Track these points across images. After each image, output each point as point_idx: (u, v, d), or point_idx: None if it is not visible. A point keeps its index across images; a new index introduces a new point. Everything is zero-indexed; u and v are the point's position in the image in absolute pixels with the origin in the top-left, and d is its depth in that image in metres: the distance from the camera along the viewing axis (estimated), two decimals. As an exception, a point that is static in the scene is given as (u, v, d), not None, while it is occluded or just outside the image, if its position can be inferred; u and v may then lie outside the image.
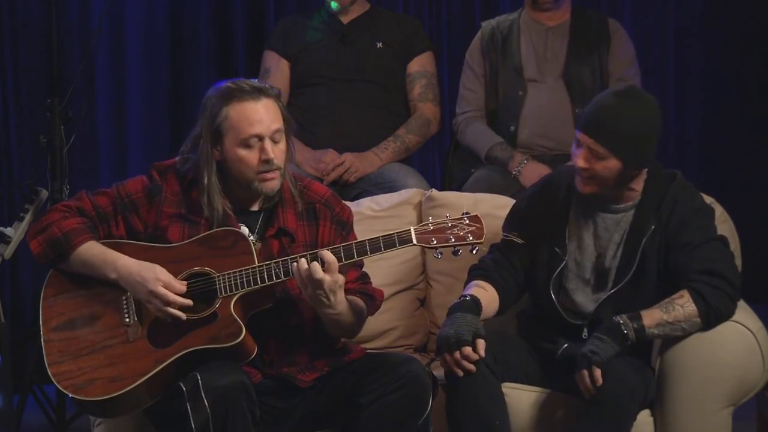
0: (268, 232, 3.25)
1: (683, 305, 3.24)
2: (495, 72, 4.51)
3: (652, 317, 3.24)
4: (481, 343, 3.20)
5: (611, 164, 3.30)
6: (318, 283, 3.08)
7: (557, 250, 3.41)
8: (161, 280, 3.12)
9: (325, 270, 3.07)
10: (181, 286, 3.13)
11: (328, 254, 3.09)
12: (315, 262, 3.08)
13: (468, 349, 3.19)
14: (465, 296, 3.34)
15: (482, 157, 4.48)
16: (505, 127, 4.49)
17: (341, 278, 3.12)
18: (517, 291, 3.49)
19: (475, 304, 3.31)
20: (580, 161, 3.31)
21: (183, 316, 3.11)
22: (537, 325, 3.49)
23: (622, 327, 3.23)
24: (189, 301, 3.13)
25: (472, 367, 3.19)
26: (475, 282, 3.44)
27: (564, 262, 3.41)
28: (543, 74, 4.49)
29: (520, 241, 3.36)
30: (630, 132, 3.27)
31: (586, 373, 3.18)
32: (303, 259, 3.10)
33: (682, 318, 3.25)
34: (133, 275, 3.14)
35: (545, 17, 4.54)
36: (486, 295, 3.39)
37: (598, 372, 3.17)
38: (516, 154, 4.42)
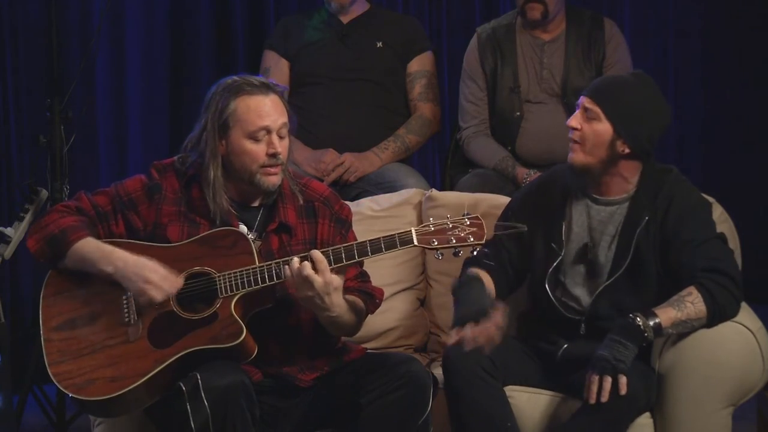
0: (270, 227, 3.25)
1: (693, 302, 3.22)
2: (494, 83, 4.48)
3: (667, 316, 3.20)
4: (501, 309, 3.24)
5: (601, 128, 3.31)
6: (307, 282, 3.07)
7: (553, 245, 3.41)
8: (158, 272, 3.12)
9: (315, 270, 3.07)
10: (178, 279, 3.13)
11: (316, 253, 3.08)
12: (306, 262, 3.08)
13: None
14: (467, 274, 3.35)
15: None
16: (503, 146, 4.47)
17: (336, 280, 3.10)
18: (507, 288, 3.48)
19: (477, 279, 3.32)
20: (572, 120, 3.35)
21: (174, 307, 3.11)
22: (535, 325, 3.49)
23: (641, 327, 3.17)
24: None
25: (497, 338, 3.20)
26: (470, 269, 3.43)
27: (560, 258, 3.40)
28: (540, 95, 4.45)
29: (522, 227, 3.34)
30: (628, 101, 3.31)
31: (609, 379, 3.12)
32: (295, 259, 3.09)
33: (694, 316, 3.22)
34: (129, 267, 3.13)
35: (539, 31, 4.48)
36: (486, 276, 3.39)
37: (624, 380, 3.13)
38: (522, 168, 4.40)
